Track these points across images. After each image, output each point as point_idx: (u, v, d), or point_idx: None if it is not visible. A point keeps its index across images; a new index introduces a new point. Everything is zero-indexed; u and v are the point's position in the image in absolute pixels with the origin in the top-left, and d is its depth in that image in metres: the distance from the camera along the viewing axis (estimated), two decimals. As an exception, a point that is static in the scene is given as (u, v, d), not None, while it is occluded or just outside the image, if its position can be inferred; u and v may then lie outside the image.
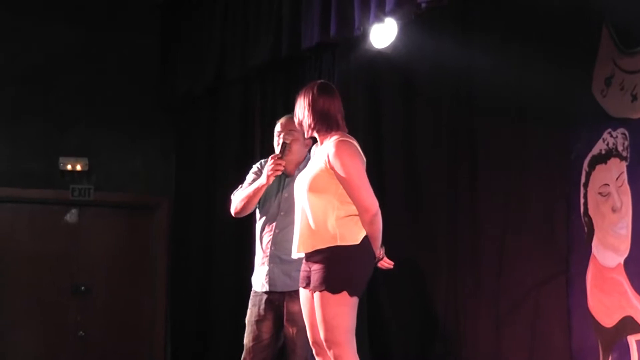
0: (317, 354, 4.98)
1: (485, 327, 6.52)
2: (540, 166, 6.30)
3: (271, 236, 5.73)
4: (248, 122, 8.34)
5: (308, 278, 4.91)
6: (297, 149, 5.73)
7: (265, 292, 5.75)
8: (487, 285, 6.54)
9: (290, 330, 5.69)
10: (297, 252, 4.95)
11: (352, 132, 5.04)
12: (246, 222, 8.06)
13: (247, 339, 5.85)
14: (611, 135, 5.91)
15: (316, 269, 4.82)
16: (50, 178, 9.23)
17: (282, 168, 5.59)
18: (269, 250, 5.72)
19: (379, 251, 4.92)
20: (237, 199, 5.74)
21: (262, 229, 5.80)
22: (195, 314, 8.85)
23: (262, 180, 5.62)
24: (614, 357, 5.74)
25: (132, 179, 9.50)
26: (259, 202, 5.77)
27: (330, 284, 4.76)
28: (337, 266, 4.76)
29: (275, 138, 5.79)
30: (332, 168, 4.81)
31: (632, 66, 5.81)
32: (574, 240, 6.11)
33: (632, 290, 5.69)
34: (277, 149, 5.71)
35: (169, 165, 9.50)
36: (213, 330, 8.53)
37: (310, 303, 4.93)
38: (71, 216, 9.52)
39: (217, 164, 8.63)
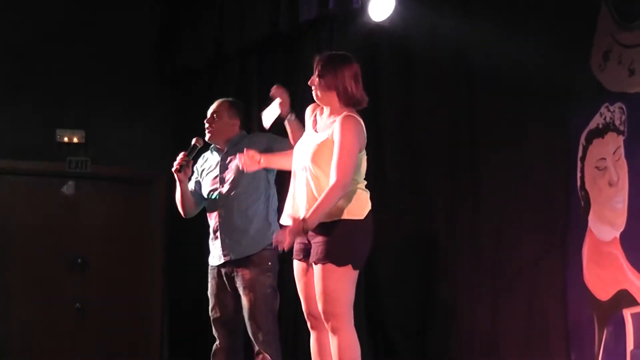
0: (312, 327, 4.99)
1: (483, 302, 6.54)
2: (538, 140, 6.31)
3: (217, 211, 6.00)
4: (246, 96, 8.32)
5: (306, 250, 4.91)
6: (220, 126, 6.07)
7: (222, 265, 5.98)
8: (484, 259, 6.56)
9: (247, 298, 5.87)
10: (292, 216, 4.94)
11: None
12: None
13: (211, 312, 6.08)
14: (608, 110, 5.92)
15: (319, 241, 4.81)
16: (47, 150, 9.22)
17: (187, 165, 5.96)
18: (217, 223, 5.98)
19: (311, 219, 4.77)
20: (177, 205, 6.15)
21: (209, 206, 6.08)
22: (192, 286, 8.86)
23: (175, 179, 6.03)
24: (609, 331, 5.77)
25: (130, 153, 9.49)
26: (194, 183, 6.12)
27: (336, 257, 4.77)
28: (343, 239, 4.78)
29: (206, 119, 6.12)
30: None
31: (630, 40, 5.81)
32: (570, 214, 6.12)
33: (628, 264, 5.71)
34: (206, 132, 6.10)
35: (166, 139, 9.48)
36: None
37: (306, 276, 4.94)
38: (68, 188, 9.52)
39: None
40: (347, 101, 4.91)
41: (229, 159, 6.05)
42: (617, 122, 5.85)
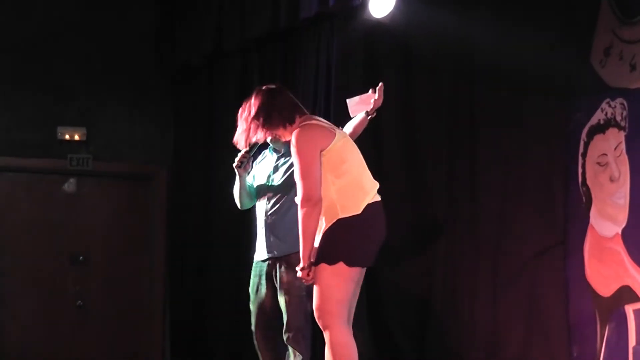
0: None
1: (484, 297, 6.55)
2: (539, 136, 6.31)
3: (265, 207, 6.04)
4: (246, 92, 8.24)
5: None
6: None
7: (264, 260, 6.01)
8: (485, 255, 6.57)
9: (283, 299, 5.90)
10: None
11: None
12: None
13: (252, 307, 6.09)
14: (610, 105, 5.92)
15: (318, 244, 4.85)
16: (49, 147, 9.21)
17: (246, 162, 6.01)
18: (264, 220, 6.03)
19: (307, 259, 4.80)
20: (235, 196, 6.20)
21: (259, 202, 6.12)
22: (194, 283, 8.88)
23: (236, 173, 6.09)
24: (611, 327, 5.77)
25: (131, 149, 9.49)
26: (251, 177, 6.15)
27: (326, 255, 4.77)
28: (335, 237, 4.78)
29: None
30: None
31: (631, 36, 5.81)
32: (571, 210, 6.13)
33: (630, 259, 5.71)
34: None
35: (167, 135, 9.49)
36: (211, 298, 8.55)
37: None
38: (69, 186, 9.51)
39: (216, 134, 8.63)
40: (284, 124, 5.01)
41: (282, 160, 6.10)
42: (618, 118, 5.85)
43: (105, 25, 9.39)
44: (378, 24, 6.66)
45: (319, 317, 4.82)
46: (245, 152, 6.02)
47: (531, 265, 6.28)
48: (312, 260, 4.78)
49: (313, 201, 4.76)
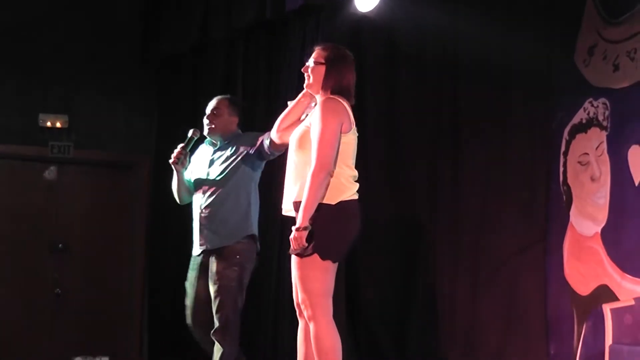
0: (299, 315, 4.98)
1: (463, 294, 6.56)
2: (522, 134, 6.32)
3: (200, 201, 6.12)
4: (230, 83, 8.31)
5: (292, 241, 4.92)
6: (220, 123, 6.19)
7: (199, 255, 6.11)
8: (465, 252, 6.58)
9: (212, 289, 5.99)
10: (286, 208, 4.96)
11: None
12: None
13: (188, 302, 6.18)
14: (592, 105, 5.94)
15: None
16: (30, 134, 9.17)
17: (184, 157, 6.10)
18: (199, 214, 6.10)
19: (307, 221, 4.73)
20: (173, 192, 6.28)
21: (195, 196, 6.19)
22: (174, 272, 8.85)
23: (173, 169, 6.16)
24: (588, 325, 5.79)
25: (113, 137, 9.46)
26: (189, 171, 6.22)
27: (308, 246, 4.75)
28: (316, 228, 4.73)
29: (206, 114, 6.24)
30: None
31: (615, 36, 5.82)
32: (552, 209, 6.14)
33: (608, 259, 5.73)
34: (205, 126, 6.20)
35: (149, 124, 9.46)
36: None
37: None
38: (50, 173, 9.48)
39: (198, 124, 8.60)
40: (335, 89, 4.92)
41: (218, 154, 6.16)
42: (600, 118, 5.87)
43: (90, 13, 9.35)
44: (363, 18, 6.67)
45: (304, 309, 4.81)
46: (182, 148, 6.10)
47: (511, 263, 6.29)
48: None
49: (328, 171, 4.73)
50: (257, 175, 6.19)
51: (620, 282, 5.62)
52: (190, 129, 6.21)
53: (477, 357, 6.40)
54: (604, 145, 5.82)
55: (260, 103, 7.85)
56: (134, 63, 9.50)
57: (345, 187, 4.83)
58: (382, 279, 6.99)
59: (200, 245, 6.09)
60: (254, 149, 6.00)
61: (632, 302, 5.53)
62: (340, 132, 4.81)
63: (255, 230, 6.14)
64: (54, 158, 9.34)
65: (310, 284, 4.77)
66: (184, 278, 7.87)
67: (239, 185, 6.09)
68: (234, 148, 6.12)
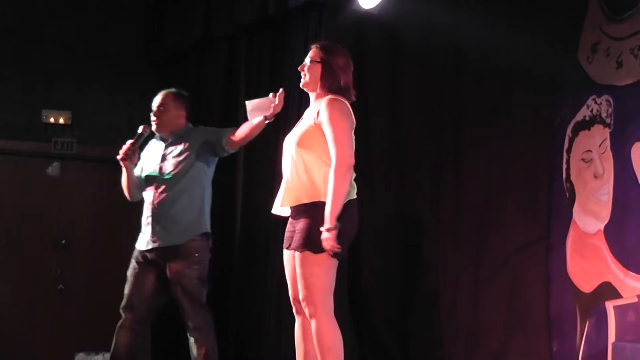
0: (297, 312, 5.01)
1: (465, 291, 6.56)
2: (525, 131, 6.32)
3: (152, 197, 6.11)
4: (233, 79, 8.31)
5: (292, 238, 4.92)
6: (167, 119, 6.19)
7: (149, 250, 6.10)
8: (468, 248, 6.58)
9: (175, 290, 6.02)
10: (281, 206, 4.95)
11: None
12: (229, 177, 8.09)
13: (127, 289, 6.22)
14: (595, 102, 5.93)
15: (300, 229, 4.82)
16: (33, 130, 9.17)
17: (132, 154, 6.10)
18: (151, 209, 6.10)
19: (335, 219, 4.71)
20: (123, 189, 6.29)
21: (146, 192, 6.18)
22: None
23: (122, 165, 6.17)
24: (591, 323, 5.80)
25: (116, 133, 9.41)
26: (139, 168, 6.23)
27: (312, 244, 4.75)
28: (319, 226, 4.75)
29: (152, 110, 6.24)
30: (320, 123, 4.82)
31: (618, 33, 5.82)
32: (555, 206, 6.14)
33: (611, 256, 5.73)
34: (152, 122, 6.21)
35: (152, 121, 9.46)
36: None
37: (292, 262, 4.95)
38: (53, 169, 9.48)
39: (201, 121, 8.60)
40: (333, 88, 4.92)
41: (170, 149, 6.14)
42: (603, 115, 5.87)
43: (94, 10, 9.35)
44: (366, 15, 6.66)
45: (305, 306, 4.82)
46: (131, 144, 6.09)
47: (513, 259, 6.29)
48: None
49: (349, 167, 4.75)
50: (211, 171, 6.20)
51: (623, 280, 5.62)
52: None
53: (480, 353, 6.40)
54: (607, 143, 5.82)
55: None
56: (137, 60, 9.49)
57: (351, 187, 4.85)
58: (384, 275, 6.99)
59: (153, 241, 6.05)
60: (213, 145, 6.04)
61: (635, 300, 5.53)
62: None
63: (209, 227, 6.15)
64: (57, 154, 9.34)
65: (313, 280, 4.78)
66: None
67: (193, 182, 6.08)
68: (187, 143, 6.11)
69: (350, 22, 6.95)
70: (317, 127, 4.84)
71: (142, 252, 6.15)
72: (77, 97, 9.29)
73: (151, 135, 6.26)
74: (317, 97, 4.98)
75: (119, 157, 6.11)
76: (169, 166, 6.08)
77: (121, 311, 6.21)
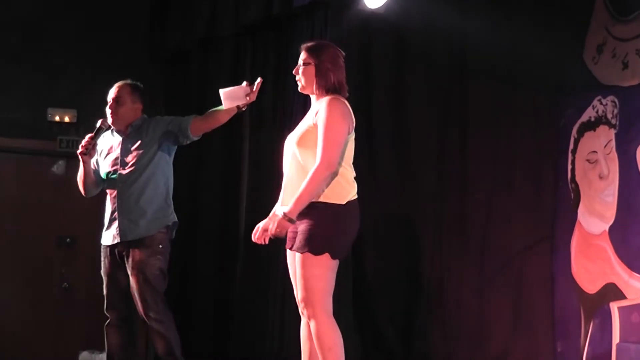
0: (302, 312, 5.00)
1: (470, 291, 6.56)
2: (530, 131, 6.32)
3: (116, 191, 6.08)
4: (238, 77, 8.29)
5: (294, 239, 4.91)
6: (124, 111, 6.16)
7: (114, 245, 6.08)
8: (472, 248, 6.58)
9: (135, 278, 5.96)
10: (282, 205, 4.94)
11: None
12: (234, 175, 8.10)
13: (105, 290, 6.17)
14: (601, 103, 5.93)
15: (301, 229, 4.81)
16: (38, 129, 9.18)
17: (92, 148, 6.06)
18: (116, 204, 6.07)
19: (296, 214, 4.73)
20: (79, 184, 6.24)
21: (108, 186, 6.16)
22: (179, 265, 8.85)
23: (80, 159, 6.10)
24: (595, 323, 5.79)
25: (121, 132, 9.46)
26: (97, 164, 6.20)
27: (313, 245, 4.75)
28: (321, 227, 4.75)
29: (108, 104, 6.22)
30: (316, 121, 4.81)
31: (624, 34, 5.82)
32: (560, 207, 6.14)
33: (616, 257, 5.73)
34: (108, 115, 6.17)
35: (157, 119, 9.46)
36: (196, 279, 8.53)
37: (294, 263, 4.95)
38: (58, 168, 9.49)
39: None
40: (329, 88, 4.92)
41: (130, 142, 6.11)
42: (609, 116, 5.86)
43: (99, 7, 9.34)
44: (372, 14, 6.66)
45: (304, 307, 4.82)
46: (90, 138, 6.05)
47: (518, 260, 6.29)
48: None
49: (332, 170, 4.73)
50: (171, 160, 6.17)
51: (628, 281, 5.62)
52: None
53: (484, 354, 6.40)
54: (613, 143, 5.82)
55: (267, 99, 7.84)
56: (142, 58, 9.48)
57: (351, 187, 4.85)
58: (388, 274, 6.99)
59: (121, 236, 6.02)
60: (176, 134, 6.03)
61: (640, 301, 5.54)
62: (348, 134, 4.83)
63: (175, 217, 6.13)
64: (63, 152, 9.34)
65: (314, 282, 4.77)
66: (191, 271, 7.89)
67: (156, 173, 6.06)
68: (147, 135, 6.08)
69: (356, 22, 6.96)
70: (316, 126, 4.83)
71: (109, 248, 6.13)
72: (83, 96, 9.28)
73: (107, 129, 6.22)
74: (317, 97, 4.98)
75: (78, 151, 6.06)
76: (130, 159, 6.04)
77: (106, 312, 6.19)
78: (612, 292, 5.70)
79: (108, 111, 6.16)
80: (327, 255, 4.76)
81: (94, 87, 9.31)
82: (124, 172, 6.04)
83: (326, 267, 4.77)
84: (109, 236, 6.13)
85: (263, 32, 8.06)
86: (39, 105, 9.14)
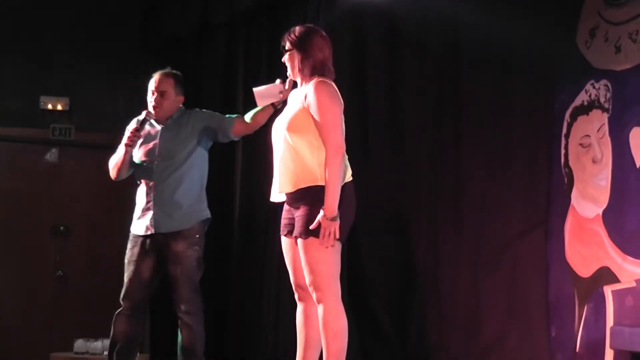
0: (299, 299, 4.99)
1: (464, 276, 6.57)
2: (523, 116, 6.32)
3: (152, 183, 6.08)
4: (232, 65, 8.31)
5: (290, 225, 4.91)
6: (168, 104, 6.16)
7: (147, 236, 6.07)
8: (467, 234, 6.58)
9: (174, 270, 6.00)
10: (278, 193, 4.94)
11: (336, 79, 5.03)
12: (229, 164, 8.09)
13: (127, 278, 6.19)
14: (594, 87, 5.93)
15: (299, 215, 4.81)
16: (31, 117, 9.18)
17: (137, 141, 6.08)
18: (151, 195, 6.06)
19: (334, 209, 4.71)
20: (110, 166, 6.24)
21: (143, 176, 6.15)
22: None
23: (122, 150, 6.11)
24: (589, 307, 5.80)
25: (114, 120, 9.41)
26: (133, 153, 6.17)
27: (315, 229, 4.74)
28: (319, 211, 4.76)
29: (149, 95, 6.20)
30: (308, 106, 4.81)
31: (617, 18, 5.81)
32: (553, 191, 6.14)
33: (610, 241, 5.74)
34: (150, 106, 6.16)
35: (150, 108, 9.46)
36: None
37: (292, 249, 4.95)
38: (51, 156, 9.48)
39: (200, 107, 8.59)
40: (313, 71, 4.92)
41: (169, 133, 6.12)
42: (602, 100, 5.86)
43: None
44: (365, 2, 6.65)
45: (313, 292, 4.81)
46: (135, 130, 6.06)
47: (512, 245, 6.30)
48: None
49: (342, 151, 4.77)
50: (207, 156, 6.20)
51: (622, 264, 5.63)
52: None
53: (479, 339, 6.41)
54: (606, 127, 5.82)
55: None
56: (135, 46, 9.48)
57: (346, 169, 4.85)
58: (383, 263, 7.00)
59: (155, 227, 6.03)
60: (215, 131, 6.06)
61: (634, 284, 5.54)
62: None
63: (209, 213, 6.16)
64: (55, 140, 9.34)
65: (320, 265, 4.77)
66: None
67: (193, 167, 6.09)
68: (187, 128, 6.10)
69: (349, 9, 6.95)
70: (306, 110, 4.83)
71: (140, 238, 6.13)
72: (76, 84, 9.29)
73: (149, 120, 6.23)
74: (302, 81, 4.98)
75: (124, 142, 6.06)
76: (169, 151, 6.06)
77: (121, 301, 6.20)
78: (606, 275, 5.71)
79: (150, 103, 6.17)
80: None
81: (86, 75, 9.33)
82: (161, 164, 6.06)
83: (329, 250, 4.76)
84: (141, 226, 6.13)
85: (257, 20, 8.05)
86: (31, 93, 9.14)
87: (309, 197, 4.77)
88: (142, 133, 6.16)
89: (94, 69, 9.34)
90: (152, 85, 6.21)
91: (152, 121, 6.19)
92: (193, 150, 6.07)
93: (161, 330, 9.01)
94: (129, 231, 6.31)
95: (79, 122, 9.33)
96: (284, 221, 4.99)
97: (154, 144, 6.12)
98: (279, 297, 7.23)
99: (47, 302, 9.28)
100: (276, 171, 4.93)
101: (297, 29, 5.03)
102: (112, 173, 6.23)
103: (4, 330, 9.03)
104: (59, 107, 9.24)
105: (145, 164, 6.13)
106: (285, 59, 5.01)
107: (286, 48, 4.99)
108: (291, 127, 4.85)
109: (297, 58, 4.94)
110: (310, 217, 4.75)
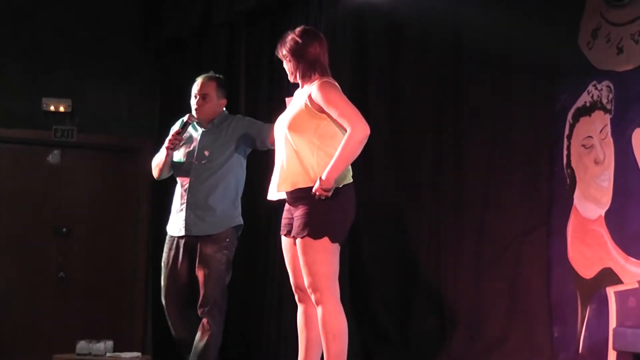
0: (299, 300, 5.01)
1: (466, 277, 6.57)
2: (525, 117, 6.31)
3: (187, 184, 6.09)
4: (233, 65, 8.30)
5: (289, 225, 4.92)
6: (210, 108, 6.15)
7: (181, 237, 6.08)
8: (468, 234, 6.58)
9: (202, 272, 6.00)
10: (277, 192, 4.94)
11: (338, 78, 5.03)
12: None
13: (164, 281, 6.19)
14: (596, 88, 5.92)
15: (298, 215, 4.83)
16: (33, 118, 9.18)
17: (179, 143, 6.07)
18: (185, 196, 6.07)
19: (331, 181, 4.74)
20: (152, 166, 6.22)
21: (180, 176, 6.16)
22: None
23: (163, 152, 6.09)
24: (592, 308, 5.80)
25: (116, 121, 9.47)
26: (174, 153, 6.16)
27: (312, 229, 4.76)
28: (318, 211, 4.76)
29: (192, 98, 6.17)
30: (313, 104, 4.81)
31: (619, 18, 5.81)
32: (556, 192, 6.14)
33: (612, 242, 5.73)
34: (193, 109, 6.15)
35: (153, 108, 9.46)
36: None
37: (292, 249, 4.95)
38: (53, 157, 9.49)
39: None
40: (316, 72, 4.93)
41: (209, 137, 6.12)
42: (604, 101, 5.86)
43: (93, -3, 9.36)
44: (367, 2, 6.65)
45: (311, 293, 4.82)
46: (177, 133, 6.06)
47: (514, 245, 6.29)
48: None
49: (368, 132, 4.76)
50: (245, 163, 6.20)
51: (624, 265, 5.63)
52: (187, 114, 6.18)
53: (481, 339, 6.40)
54: (608, 128, 5.82)
55: (262, 88, 7.84)
56: (137, 47, 9.49)
57: (347, 170, 4.86)
58: (385, 261, 7.00)
59: (186, 229, 6.05)
60: (254, 139, 6.05)
61: (636, 285, 5.53)
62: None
63: (241, 220, 6.17)
64: (58, 142, 9.35)
65: (318, 267, 4.78)
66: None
67: (229, 172, 6.09)
68: (227, 133, 6.11)
69: (351, 9, 6.95)
70: (309, 110, 4.84)
71: (174, 239, 6.15)
72: (78, 85, 9.29)
73: (191, 123, 6.22)
74: (303, 84, 4.99)
75: (166, 145, 6.06)
76: (207, 155, 6.07)
77: (163, 301, 6.22)
78: (608, 277, 5.71)
79: (193, 106, 6.16)
80: (326, 239, 4.77)
81: (89, 77, 9.34)
82: (198, 166, 6.07)
83: (327, 251, 4.78)
84: (175, 227, 6.16)
85: (258, 20, 8.05)
86: (33, 95, 9.14)
87: (309, 197, 4.77)
88: (184, 135, 6.16)
89: (96, 70, 9.34)
90: (194, 88, 6.20)
91: (195, 124, 6.19)
92: (230, 156, 6.07)
93: (163, 330, 9.02)
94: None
95: (81, 124, 9.33)
96: (284, 221, 5.00)
97: (194, 147, 6.13)
98: (280, 298, 7.22)
99: (49, 303, 9.28)
100: (276, 170, 4.94)
101: (291, 35, 5.04)
102: (154, 172, 6.23)
103: (6, 332, 9.03)
104: (61, 109, 9.24)
105: (183, 165, 6.14)
106: (284, 65, 5.02)
107: (283, 54, 5.00)
108: (292, 127, 4.87)
109: (294, 65, 4.96)
110: (309, 218, 4.75)
